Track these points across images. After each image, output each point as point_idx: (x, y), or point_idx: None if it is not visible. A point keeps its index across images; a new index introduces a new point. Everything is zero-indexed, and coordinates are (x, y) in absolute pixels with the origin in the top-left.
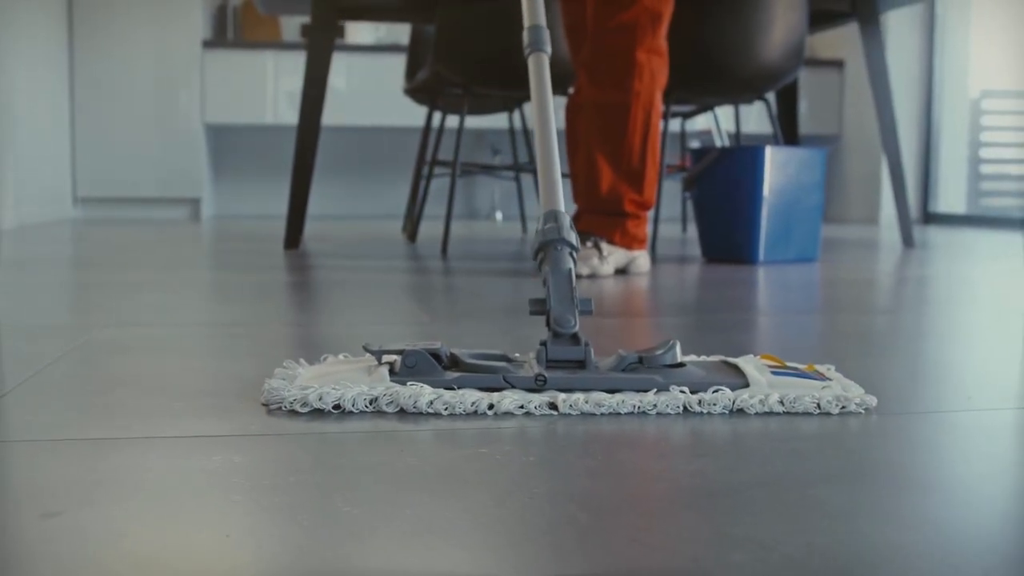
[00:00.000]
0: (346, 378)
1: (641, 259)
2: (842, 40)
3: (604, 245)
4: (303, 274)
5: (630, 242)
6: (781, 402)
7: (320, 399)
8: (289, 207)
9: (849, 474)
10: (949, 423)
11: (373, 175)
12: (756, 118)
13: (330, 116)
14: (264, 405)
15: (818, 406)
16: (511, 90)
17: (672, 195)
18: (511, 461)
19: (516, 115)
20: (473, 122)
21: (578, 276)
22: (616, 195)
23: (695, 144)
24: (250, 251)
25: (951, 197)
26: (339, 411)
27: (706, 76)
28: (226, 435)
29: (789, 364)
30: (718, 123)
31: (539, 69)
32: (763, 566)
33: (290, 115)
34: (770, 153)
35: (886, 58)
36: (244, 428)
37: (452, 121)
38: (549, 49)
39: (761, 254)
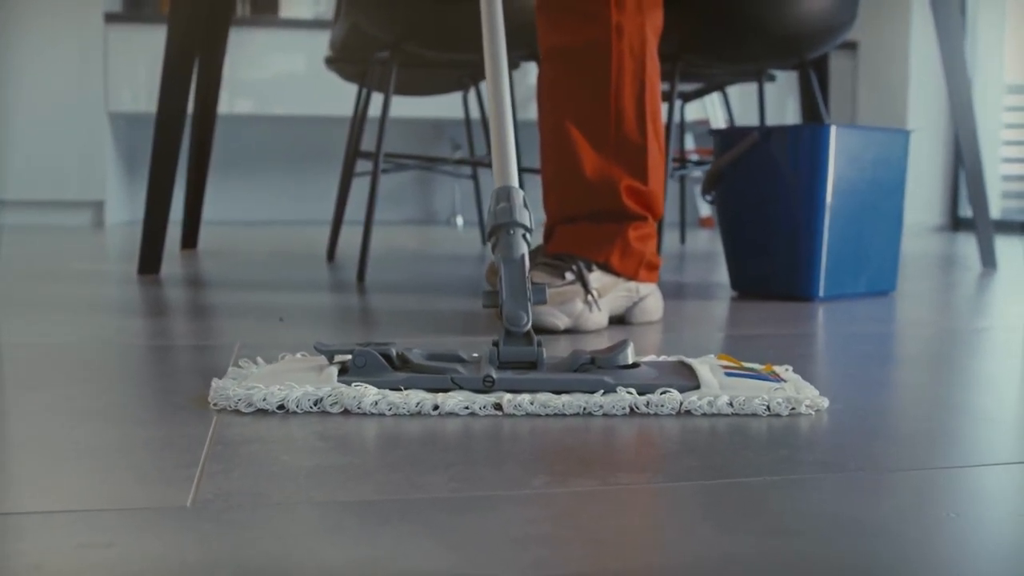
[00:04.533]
0: (295, 378)
1: (651, 300)
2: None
3: (594, 275)
4: (130, 322)
5: (635, 268)
6: (730, 404)
7: (264, 399)
8: (145, 221)
9: None
10: None
11: (310, 172)
12: (773, 105)
13: (259, 104)
14: (212, 404)
15: (768, 408)
16: (450, 51)
17: (668, 195)
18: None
19: (475, 102)
20: (428, 110)
21: (551, 331)
22: (606, 178)
23: (689, 137)
24: (98, 276)
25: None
26: (284, 411)
27: (729, 33)
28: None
29: (746, 365)
30: (728, 106)
31: (492, 14)
32: None
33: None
34: (837, 135)
35: (963, 34)
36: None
37: (401, 108)
38: None
39: (822, 287)
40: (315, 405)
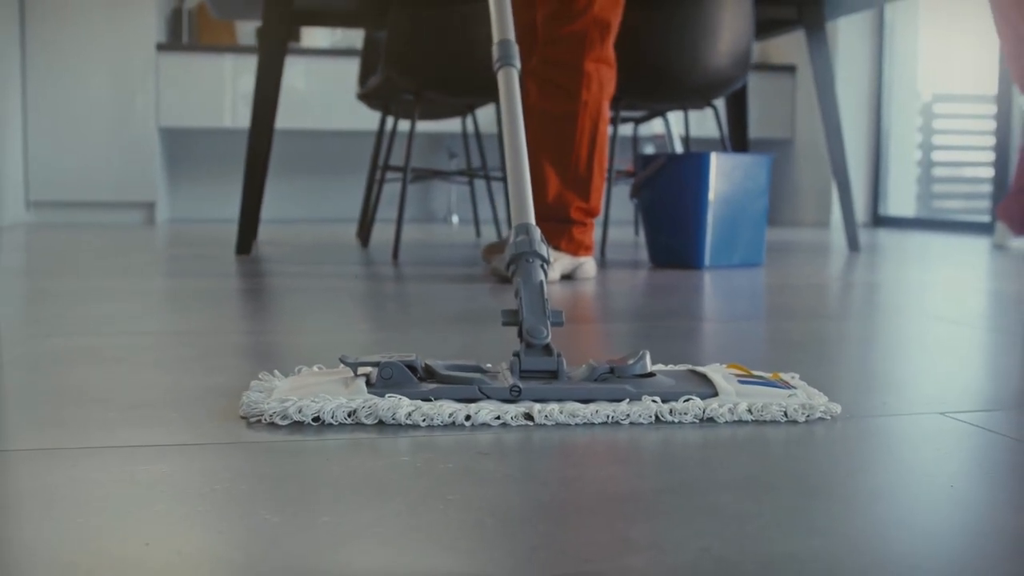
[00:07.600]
0: (324, 390)
1: (587, 265)
2: (794, 45)
3: (550, 251)
4: (253, 281)
5: (576, 248)
6: (749, 411)
7: (300, 412)
8: (241, 212)
9: (766, 480)
10: (874, 428)
11: (329, 178)
12: (709, 122)
13: (285, 119)
14: (243, 418)
15: (785, 414)
16: (462, 96)
17: (625, 199)
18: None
19: (470, 120)
20: (429, 126)
21: None
22: (562, 203)
23: (649, 148)
24: (202, 257)
25: (901, 200)
26: (318, 423)
27: (653, 83)
28: (204, 443)
29: (755, 373)
30: (669, 128)
31: (509, 84)
32: (657, 569)
33: (246, 119)
34: (715, 160)
35: (832, 65)
36: (221, 438)
37: (406, 126)
38: (519, 64)
39: (707, 259)
40: (349, 416)
